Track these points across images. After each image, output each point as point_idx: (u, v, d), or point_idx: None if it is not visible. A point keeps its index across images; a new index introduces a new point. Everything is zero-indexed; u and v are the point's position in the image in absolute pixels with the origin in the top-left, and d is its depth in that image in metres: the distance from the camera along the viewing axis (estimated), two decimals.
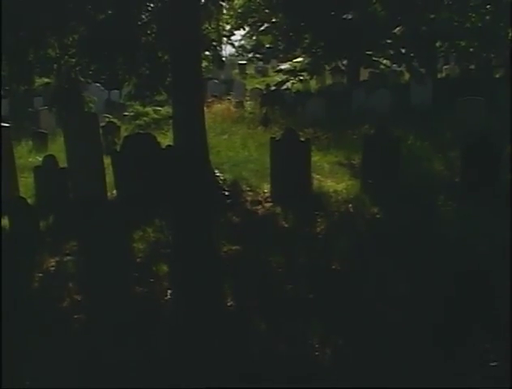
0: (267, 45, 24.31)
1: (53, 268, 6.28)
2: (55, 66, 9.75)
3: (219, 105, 16.65)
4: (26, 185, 9.00)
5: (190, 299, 5.46)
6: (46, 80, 20.67)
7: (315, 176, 8.66)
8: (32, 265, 6.31)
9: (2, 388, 4.25)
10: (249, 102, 18.15)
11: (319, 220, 7.07)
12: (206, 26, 9.98)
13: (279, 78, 19.13)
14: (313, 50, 18.99)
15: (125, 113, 17.99)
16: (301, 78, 18.23)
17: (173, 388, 4.23)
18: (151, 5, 9.44)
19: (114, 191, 8.37)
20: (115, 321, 5.08)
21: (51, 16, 7.89)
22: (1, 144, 8.15)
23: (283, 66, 18.91)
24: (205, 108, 9.70)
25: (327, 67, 19.47)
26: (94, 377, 4.37)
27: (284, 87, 17.89)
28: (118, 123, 14.80)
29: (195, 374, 4.30)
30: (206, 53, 10.89)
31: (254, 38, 25.25)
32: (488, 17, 18.73)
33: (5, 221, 7.29)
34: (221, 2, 10.74)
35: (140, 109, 17.94)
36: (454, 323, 4.70)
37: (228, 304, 5.33)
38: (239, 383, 4.17)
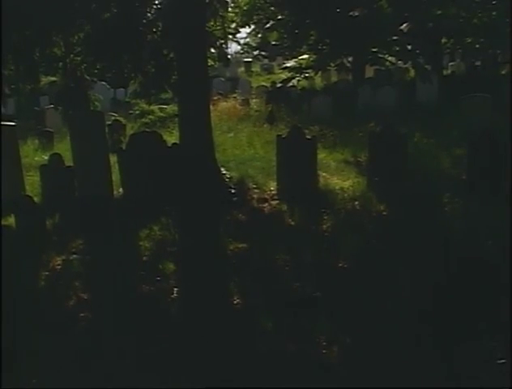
0: (273, 43, 24.29)
1: (59, 267, 6.28)
2: (61, 64, 9.76)
3: (224, 103, 16.64)
4: (32, 183, 9.01)
5: (197, 297, 5.45)
6: (52, 79, 20.74)
7: (321, 173, 8.65)
8: (38, 264, 6.31)
9: (2, 388, 4.25)
10: (254, 100, 18.13)
11: (325, 217, 7.06)
12: (212, 24, 9.97)
13: (284, 75, 19.14)
14: (319, 47, 18.97)
15: (131, 112, 18.00)
16: (307, 75, 18.23)
17: (173, 388, 4.22)
18: (156, 2, 9.44)
19: (120, 189, 8.37)
20: (121, 320, 5.08)
21: (57, 15, 7.89)
22: (0, 143, 8.15)
23: (289, 64, 18.90)
24: (211, 106, 9.68)
25: (332, 64, 19.44)
26: (98, 375, 4.37)
27: (290, 84, 17.87)
28: (124, 121, 14.81)
29: (201, 372, 4.30)
30: (212, 50, 10.87)
31: (260, 35, 25.24)
32: (494, 13, 18.65)
33: (11, 220, 7.29)
34: (226, 0, 10.73)
35: (146, 107, 17.97)
36: (461, 320, 4.68)
37: (235, 302, 5.33)
38: (245, 382, 4.16)
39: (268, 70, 31.47)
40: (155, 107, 18.01)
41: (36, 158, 11.44)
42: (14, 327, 5.00)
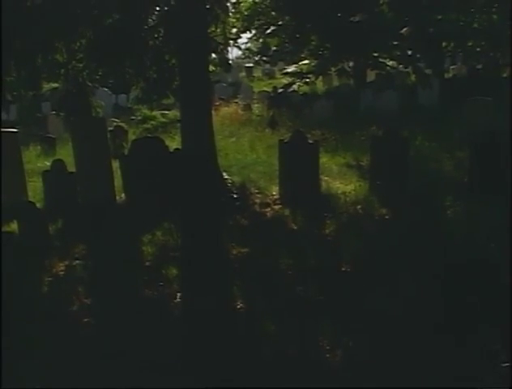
0: (274, 48, 24.30)
1: (62, 272, 6.29)
2: (62, 70, 9.76)
3: (226, 108, 16.69)
4: (34, 189, 9.04)
5: (200, 302, 5.45)
6: (54, 85, 20.79)
7: (323, 177, 8.66)
8: (41, 269, 6.31)
9: (2, 388, 4.26)
10: (256, 105, 18.18)
11: (328, 221, 7.06)
12: (213, 29, 9.99)
13: (286, 80, 19.16)
14: (320, 52, 19.00)
15: (133, 117, 18.05)
16: (308, 80, 18.25)
17: (173, 388, 4.22)
18: (158, 8, 9.44)
19: (123, 195, 8.38)
20: (124, 325, 5.08)
21: (59, 21, 7.90)
22: (0, 148, 8.17)
23: (290, 69, 18.93)
24: (213, 111, 9.70)
25: (333, 69, 19.46)
26: (99, 377, 4.37)
27: (291, 89, 17.89)
28: (126, 127, 14.85)
29: (205, 376, 4.29)
30: (213, 56, 10.89)
31: (261, 41, 25.24)
32: (495, 16, 18.67)
33: (14, 226, 7.31)
34: (228, 5, 10.74)
35: (147, 112, 18.03)
36: (464, 323, 4.67)
37: (238, 306, 5.32)
38: (247, 384, 4.15)
39: (270, 75, 31.47)
40: (157, 112, 18.09)
41: (38, 164, 11.48)
42: (15, 331, 5.00)
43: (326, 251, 6.28)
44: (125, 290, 5.71)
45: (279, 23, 19.88)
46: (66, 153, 10.96)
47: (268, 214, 7.69)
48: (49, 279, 6.15)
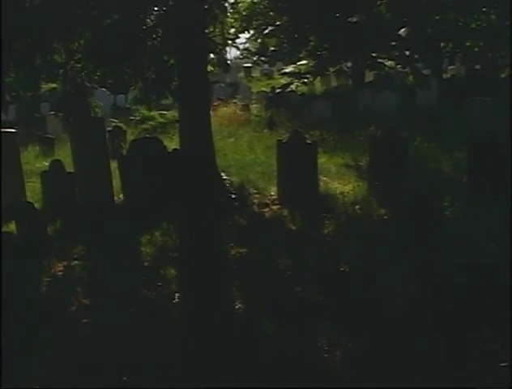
0: (272, 48, 24.29)
1: (61, 273, 6.28)
2: (61, 71, 9.75)
3: (225, 109, 16.70)
4: (33, 190, 9.03)
5: (198, 302, 5.45)
6: (52, 86, 20.78)
7: (322, 178, 8.65)
8: (39, 270, 6.31)
9: (1, 388, 4.25)
10: (255, 105, 18.17)
11: (326, 221, 7.06)
12: (211, 29, 9.99)
13: (284, 80, 19.14)
14: (318, 53, 18.98)
15: (132, 118, 18.04)
16: (306, 80, 18.23)
17: (173, 388, 4.21)
18: (156, 9, 9.44)
19: (121, 195, 8.37)
20: (123, 325, 5.07)
21: (57, 22, 7.89)
22: (0, 149, 8.16)
23: (288, 69, 18.91)
24: (211, 111, 9.70)
25: (331, 69, 19.46)
26: (100, 380, 4.36)
27: (289, 89, 17.88)
28: (124, 127, 14.84)
29: (205, 376, 4.29)
30: (212, 56, 10.89)
31: (259, 41, 25.24)
32: (493, 16, 18.68)
33: (12, 226, 7.30)
34: (226, 5, 10.74)
35: (146, 113, 18.01)
36: (464, 324, 4.67)
37: (237, 307, 5.32)
38: (246, 384, 4.15)
39: (268, 76, 31.43)
40: (155, 113, 18.06)
41: (36, 164, 11.46)
42: (15, 331, 5.00)
43: (324, 251, 6.28)
44: (124, 290, 5.71)
45: (278, 23, 19.85)
46: (64, 153, 10.95)
47: (267, 214, 7.69)
48: (48, 279, 6.14)
